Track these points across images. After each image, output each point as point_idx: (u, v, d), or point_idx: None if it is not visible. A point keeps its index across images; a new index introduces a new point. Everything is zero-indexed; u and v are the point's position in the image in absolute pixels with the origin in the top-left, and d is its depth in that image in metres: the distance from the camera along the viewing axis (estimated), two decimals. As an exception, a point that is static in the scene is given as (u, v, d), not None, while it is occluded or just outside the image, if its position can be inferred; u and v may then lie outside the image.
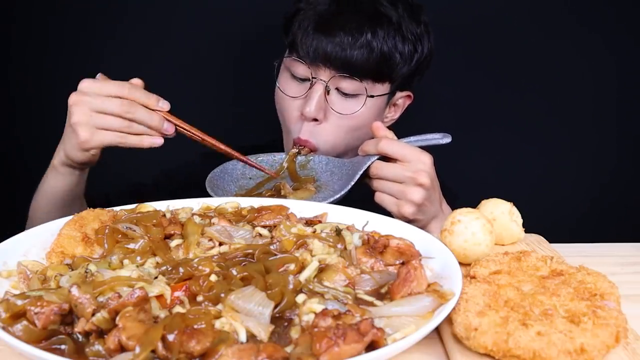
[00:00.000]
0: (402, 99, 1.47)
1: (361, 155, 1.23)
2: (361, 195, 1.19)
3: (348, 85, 1.31)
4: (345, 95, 1.33)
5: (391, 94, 1.40)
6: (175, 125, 1.15)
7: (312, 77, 1.31)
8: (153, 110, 1.12)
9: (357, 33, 1.27)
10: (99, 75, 1.14)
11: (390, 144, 1.17)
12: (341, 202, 1.11)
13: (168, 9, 1.84)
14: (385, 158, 1.18)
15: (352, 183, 1.18)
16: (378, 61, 1.29)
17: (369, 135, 1.27)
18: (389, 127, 1.47)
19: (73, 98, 1.10)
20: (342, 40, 1.27)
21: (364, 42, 1.27)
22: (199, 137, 1.19)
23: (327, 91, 1.31)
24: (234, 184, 1.26)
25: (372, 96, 1.34)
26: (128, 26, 1.85)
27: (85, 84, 1.11)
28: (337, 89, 1.32)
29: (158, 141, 1.14)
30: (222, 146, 1.23)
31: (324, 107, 1.32)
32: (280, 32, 1.41)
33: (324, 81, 1.30)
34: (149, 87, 1.16)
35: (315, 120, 1.32)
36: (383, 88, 1.36)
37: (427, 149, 1.18)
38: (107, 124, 1.10)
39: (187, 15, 1.85)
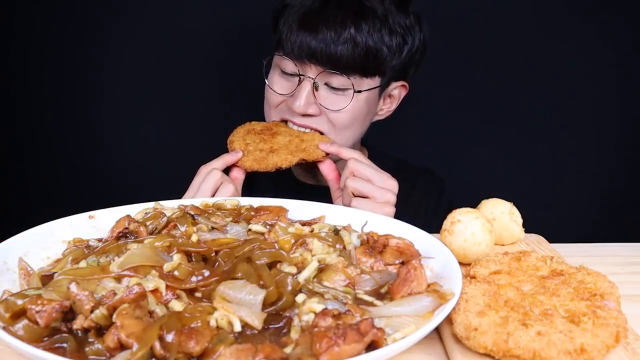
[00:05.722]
0: (398, 90, 1.47)
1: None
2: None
3: (336, 80, 1.32)
4: (335, 89, 1.33)
5: (383, 86, 1.40)
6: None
7: (300, 74, 1.32)
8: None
9: (340, 28, 1.27)
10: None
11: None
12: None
13: (161, 10, 1.85)
14: None
15: None
16: (364, 56, 1.29)
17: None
18: (385, 119, 1.46)
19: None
20: (325, 36, 1.27)
21: (347, 37, 1.27)
22: None
23: (315, 87, 1.32)
24: None
25: (359, 91, 1.33)
26: (126, 27, 1.85)
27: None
28: (326, 84, 1.33)
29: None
30: None
31: (314, 103, 1.33)
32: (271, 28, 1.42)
33: (312, 78, 1.31)
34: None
35: (311, 115, 1.33)
36: (372, 82, 1.36)
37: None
38: None
39: (173, 16, 1.85)
